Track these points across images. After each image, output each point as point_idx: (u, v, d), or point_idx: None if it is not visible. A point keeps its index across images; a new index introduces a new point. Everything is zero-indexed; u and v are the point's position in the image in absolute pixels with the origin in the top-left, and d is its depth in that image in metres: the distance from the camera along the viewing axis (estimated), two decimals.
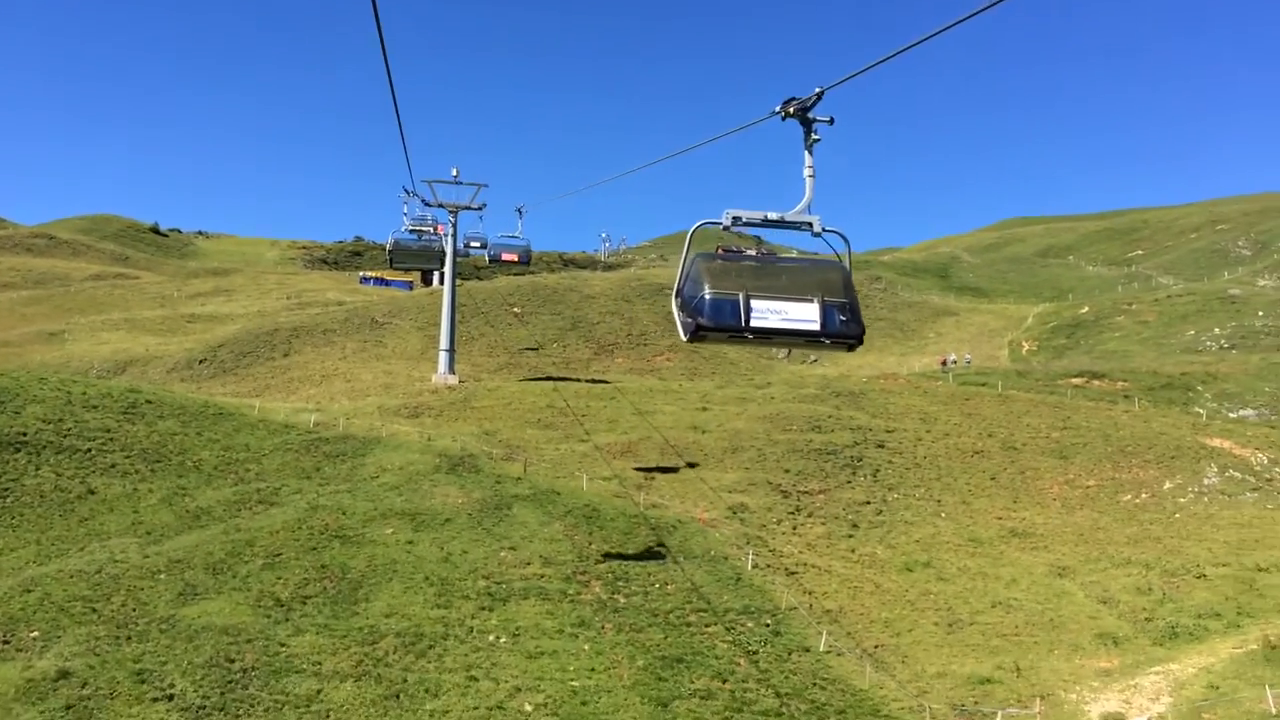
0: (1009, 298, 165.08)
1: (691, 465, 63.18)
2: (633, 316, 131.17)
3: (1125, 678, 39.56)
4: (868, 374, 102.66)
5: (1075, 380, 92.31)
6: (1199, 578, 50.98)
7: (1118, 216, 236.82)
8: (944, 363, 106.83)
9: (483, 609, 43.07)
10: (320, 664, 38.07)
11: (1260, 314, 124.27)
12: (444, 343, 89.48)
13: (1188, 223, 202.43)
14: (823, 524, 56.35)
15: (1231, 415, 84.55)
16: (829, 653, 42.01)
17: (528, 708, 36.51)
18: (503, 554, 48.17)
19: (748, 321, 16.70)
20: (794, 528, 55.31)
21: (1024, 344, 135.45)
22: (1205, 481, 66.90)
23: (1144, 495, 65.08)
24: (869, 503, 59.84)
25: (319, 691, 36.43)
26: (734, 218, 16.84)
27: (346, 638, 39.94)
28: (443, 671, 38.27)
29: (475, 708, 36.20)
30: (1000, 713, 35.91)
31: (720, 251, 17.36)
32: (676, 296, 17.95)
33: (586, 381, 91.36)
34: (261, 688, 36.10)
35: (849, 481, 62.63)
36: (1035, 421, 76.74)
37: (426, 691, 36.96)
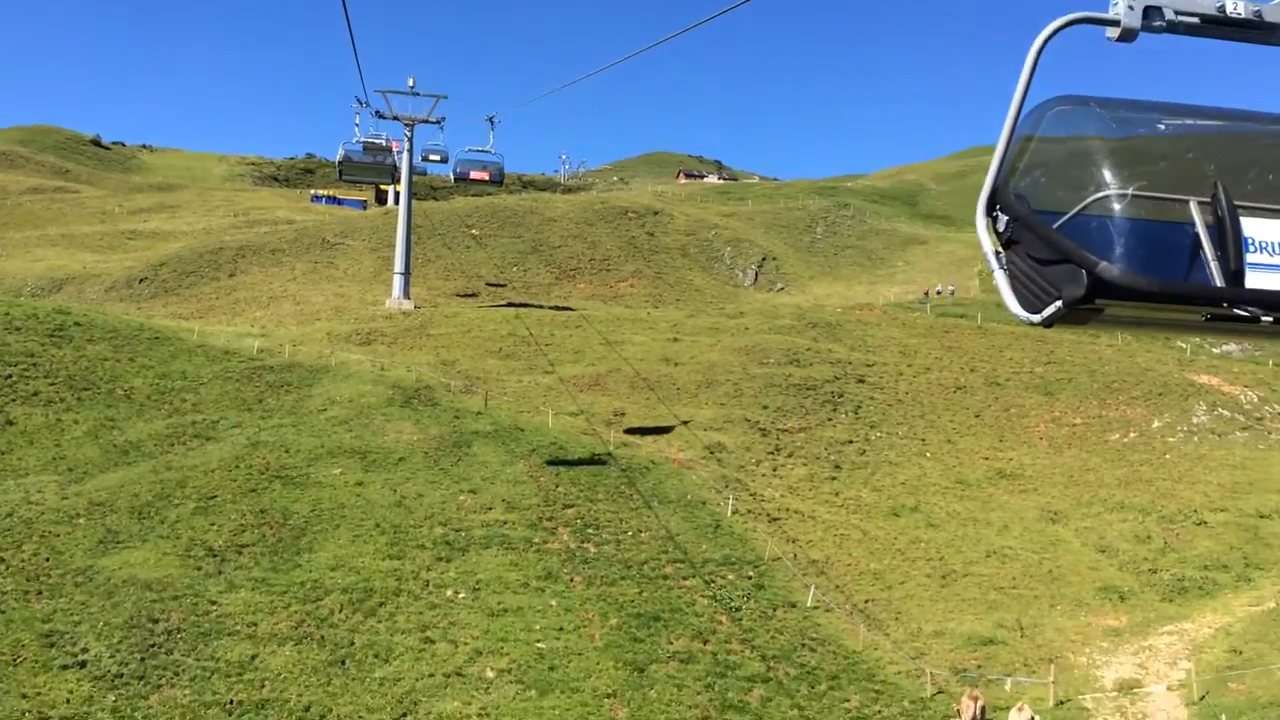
0: (975, 226, 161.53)
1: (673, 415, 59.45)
2: (595, 240, 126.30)
3: (1137, 638, 36.65)
4: (840, 304, 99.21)
5: None
6: (1199, 525, 48.28)
7: None
8: (926, 294, 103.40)
9: (440, 560, 39.22)
10: (256, 625, 34.09)
11: None
12: (399, 265, 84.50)
13: None
14: (804, 465, 52.92)
15: (1215, 350, 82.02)
16: (817, 608, 38.73)
17: (489, 673, 32.86)
18: (462, 498, 44.23)
19: (1237, 272, 4.56)
20: (774, 469, 51.84)
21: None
22: (1194, 420, 64.29)
23: (1132, 434, 62.36)
24: (851, 442, 56.47)
25: (253, 657, 32.50)
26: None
27: (286, 594, 35.94)
28: (394, 633, 34.45)
29: (431, 674, 32.48)
30: (1010, 680, 32.84)
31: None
32: (993, 206, 5.13)
33: (550, 308, 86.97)
34: (188, 652, 32.09)
35: (830, 419, 59.18)
36: (1018, 355, 73.65)
37: (376, 656, 33.15)
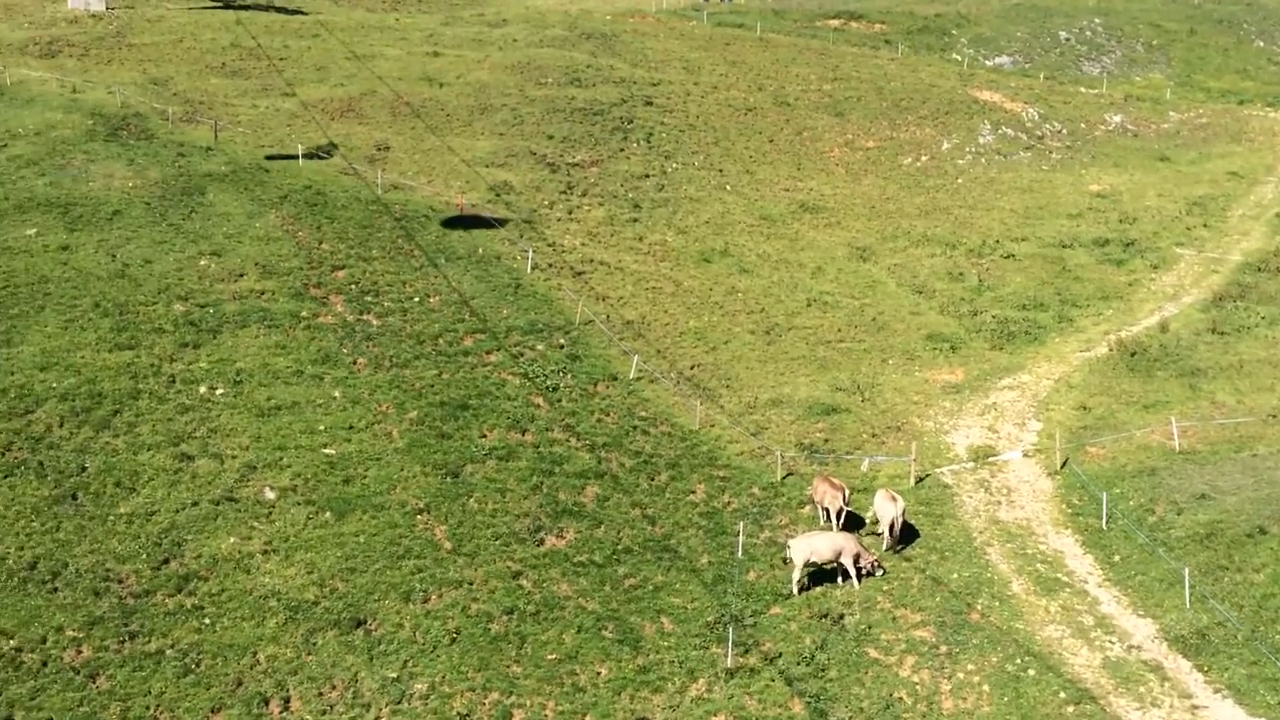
0: None
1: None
2: None
3: (977, 395, 34.70)
4: (606, 9, 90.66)
5: (834, 22, 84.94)
6: (1007, 258, 46.89)
7: None
8: None
9: (185, 346, 31.68)
10: None
11: None
12: None
13: None
14: (601, 204, 47.18)
15: (988, 63, 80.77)
16: (641, 379, 34.38)
17: (269, 493, 26.79)
18: (203, 262, 36.01)
19: None
20: (569, 211, 45.84)
21: None
22: (981, 140, 62.81)
23: (924, 158, 60.17)
24: (648, 176, 50.95)
25: None
26: None
27: None
28: (138, 450, 27.40)
29: (194, 503, 26.04)
30: (867, 459, 30.03)
31: None
32: None
33: (278, 11, 73.99)
34: None
35: (622, 149, 53.12)
36: (804, 71, 69.21)
37: (118, 485, 26.21)
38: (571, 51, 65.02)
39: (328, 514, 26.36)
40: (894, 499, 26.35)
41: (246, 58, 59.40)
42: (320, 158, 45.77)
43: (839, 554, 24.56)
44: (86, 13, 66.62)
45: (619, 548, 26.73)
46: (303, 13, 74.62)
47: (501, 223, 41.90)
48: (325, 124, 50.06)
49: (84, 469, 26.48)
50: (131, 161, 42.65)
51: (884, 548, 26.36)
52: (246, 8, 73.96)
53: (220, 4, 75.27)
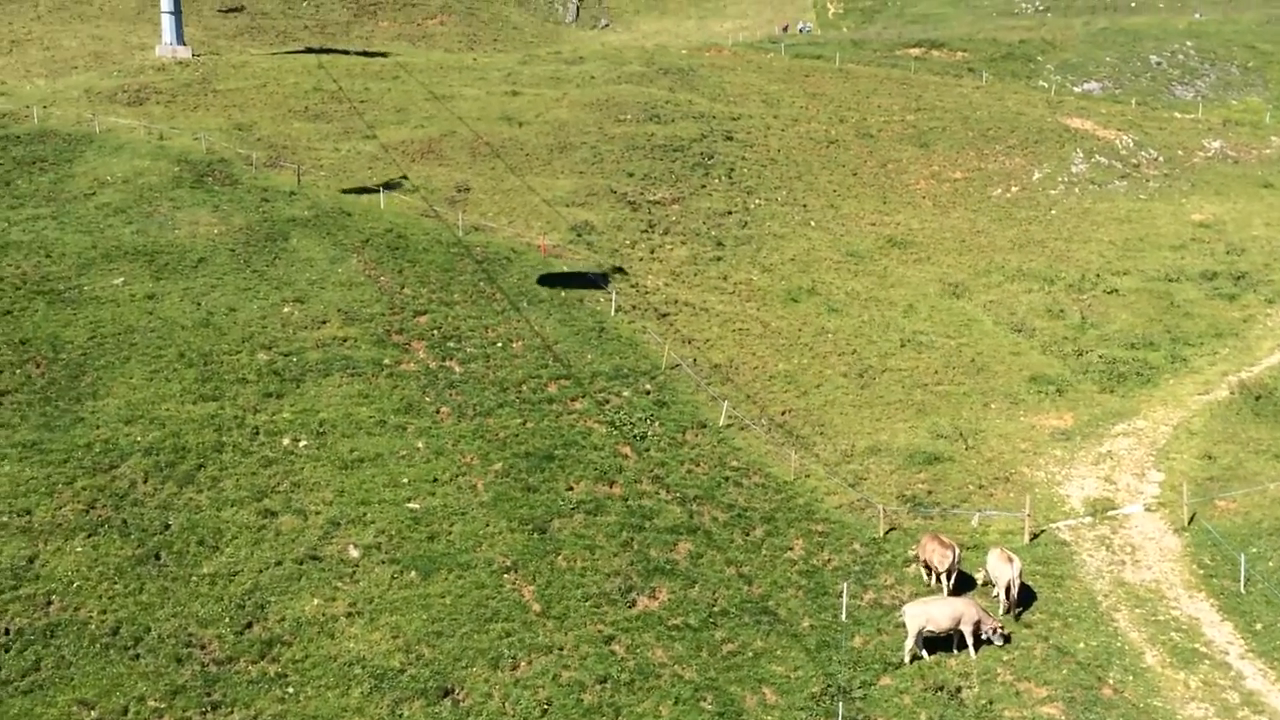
0: None
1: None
2: None
3: (1090, 442, 32.70)
4: (680, 44, 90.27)
5: (914, 50, 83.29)
6: (1110, 293, 44.74)
7: None
8: (786, 28, 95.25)
9: (268, 396, 31.19)
10: (30, 514, 25.76)
11: None
12: (166, 3, 69.83)
13: None
14: (684, 243, 46.11)
15: (1076, 89, 78.41)
16: (731, 426, 33.07)
17: (353, 551, 25.96)
18: (287, 309, 35.66)
19: None
20: (652, 250, 44.85)
21: (829, 6, 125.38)
22: (1073, 169, 60.61)
23: (1014, 188, 58.21)
24: (731, 212, 49.80)
25: (31, 560, 24.46)
26: None
27: (69, 463, 27.46)
28: (222, 506, 26.81)
29: (278, 562, 25.30)
30: (977, 514, 28.31)
31: None
32: None
33: (358, 54, 74.64)
34: None
35: (703, 186, 52.08)
36: (886, 102, 67.72)
37: (201, 543, 25.60)
38: (649, 87, 64.35)
39: (412, 573, 25.43)
40: (1010, 559, 24.59)
41: (328, 101, 59.73)
42: (393, 188, 45.71)
43: (958, 621, 22.88)
44: (173, 60, 67.78)
45: (715, 610, 25.36)
46: (383, 55, 75.19)
47: (604, 281, 40.30)
48: (406, 165, 49.83)
49: (167, 526, 25.93)
50: (216, 208, 42.71)
51: (1000, 612, 24.61)
52: (327, 50, 74.77)
53: (302, 48, 76.26)
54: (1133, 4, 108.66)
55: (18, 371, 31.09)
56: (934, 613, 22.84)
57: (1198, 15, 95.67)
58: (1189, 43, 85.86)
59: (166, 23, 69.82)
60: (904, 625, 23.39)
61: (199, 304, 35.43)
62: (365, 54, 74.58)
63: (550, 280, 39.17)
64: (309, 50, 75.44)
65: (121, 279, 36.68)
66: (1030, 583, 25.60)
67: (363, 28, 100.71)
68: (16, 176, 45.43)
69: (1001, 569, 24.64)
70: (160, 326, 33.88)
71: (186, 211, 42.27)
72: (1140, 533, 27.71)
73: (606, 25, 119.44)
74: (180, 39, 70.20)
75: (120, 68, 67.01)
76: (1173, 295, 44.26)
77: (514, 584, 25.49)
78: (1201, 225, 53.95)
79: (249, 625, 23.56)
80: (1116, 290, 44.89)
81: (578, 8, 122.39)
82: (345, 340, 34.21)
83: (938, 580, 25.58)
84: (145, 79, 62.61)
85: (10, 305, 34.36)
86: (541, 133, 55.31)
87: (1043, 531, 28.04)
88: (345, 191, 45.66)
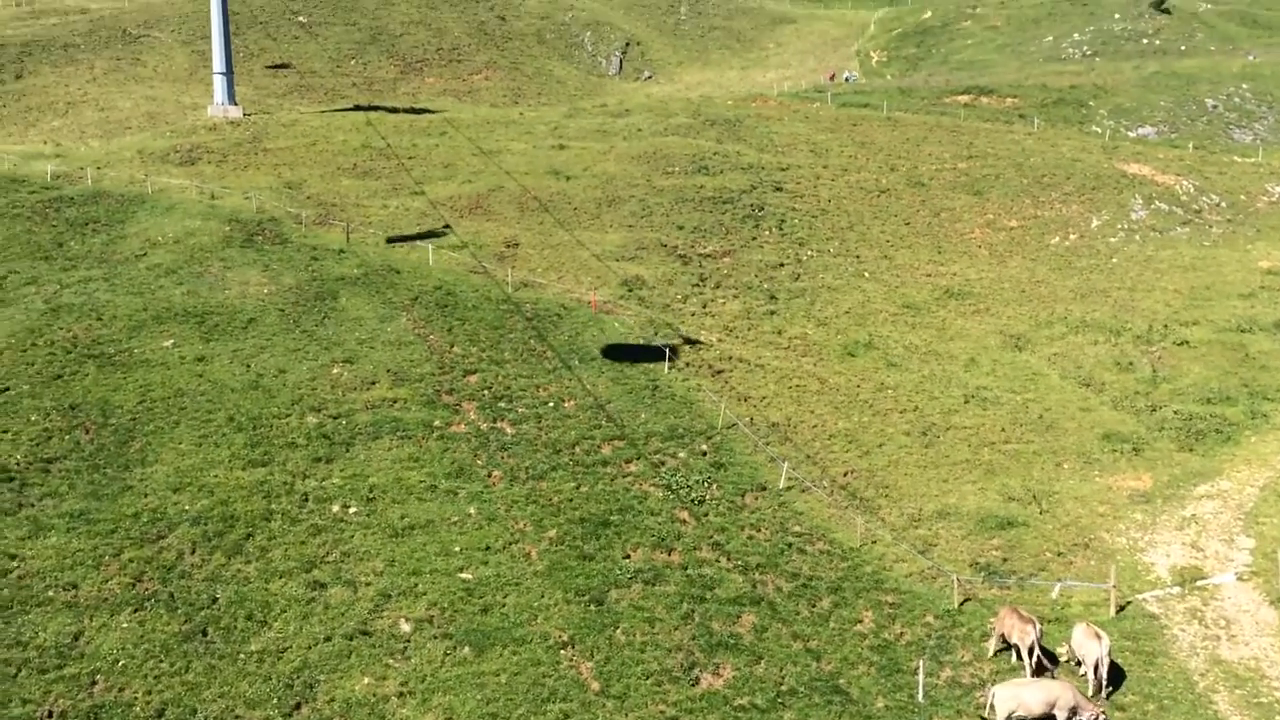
0: (846, 3, 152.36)
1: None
2: (440, 27, 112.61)
3: (1171, 505, 31.14)
4: (721, 94, 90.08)
5: (963, 98, 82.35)
6: (1180, 345, 43.14)
7: None
8: (832, 77, 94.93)
9: (318, 460, 30.52)
10: (76, 587, 25.13)
11: (1116, 16, 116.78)
12: (218, 64, 70.68)
13: None
14: (736, 296, 45.20)
15: (1131, 134, 76.95)
16: (791, 488, 31.87)
17: (405, 626, 25.03)
18: (336, 370, 35.11)
19: None
20: (704, 305, 43.98)
21: (873, 55, 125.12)
22: (1133, 216, 59.10)
23: (1073, 236, 56.79)
24: (783, 265, 48.89)
25: (76, 636, 23.76)
26: None
27: (116, 534, 26.86)
28: (270, 577, 26.02)
29: (327, 637, 24.41)
30: (1058, 584, 26.87)
31: None
32: None
33: (405, 111, 75.03)
34: None
35: (754, 238, 51.26)
36: (937, 150, 66.72)
37: (249, 618, 24.79)
38: (697, 139, 63.90)
39: (466, 649, 24.44)
40: (1098, 635, 23.14)
41: (376, 158, 59.82)
42: (437, 236, 45.42)
43: (1053, 706, 21.39)
44: (225, 119, 68.44)
45: (782, 689, 24.08)
46: (430, 110, 75.54)
47: (674, 353, 38.63)
48: (455, 221, 49.50)
49: (215, 600, 25.18)
50: (266, 267, 42.51)
51: (1089, 693, 23.10)
52: (374, 108, 75.26)
53: (351, 106, 76.85)
54: (1182, 48, 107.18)
55: (67, 438, 30.69)
56: (1026, 696, 21.40)
57: (1251, 57, 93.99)
58: (1244, 85, 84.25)
59: (218, 83, 70.65)
60: (992, 708, 21.95)
61: (248, 366, 34.99)
62: (412, 110, 74.98)
63: (615, 353, 38.05)
64: (357, 108, 76.00)
65: (171, 341, 36.37)
66: (1119, 660, 24.09)
67: (409, 84, 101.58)
68: (70, 238, 45.61)
69: (1089, 646, 23.18)
70: (210, 389, 33.42)
71: (237, 271, 42.10)
72: (1234, 604, 26.11)
73: (649, 77, 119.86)
74: (232, 98, 70.95)
75: (173, 128, 67.76)
76: (1246, 347, 42.59)
77: (571, 660, 24.40)
78: (1270, 273, 52.20)
79: (297, 706, 22.64)
80: (1187, 341, 43.29)
81: (621, 60, 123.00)
82: (395, 401, 33.56)
83: (1019, 659, 24.14)
84: (197, 139, 63.17)
85: (61, 369, 34.10)
86: (589, 186, 54.88)
87: (1129, 603, 26.52)
88: (390, 241, 45.43)
